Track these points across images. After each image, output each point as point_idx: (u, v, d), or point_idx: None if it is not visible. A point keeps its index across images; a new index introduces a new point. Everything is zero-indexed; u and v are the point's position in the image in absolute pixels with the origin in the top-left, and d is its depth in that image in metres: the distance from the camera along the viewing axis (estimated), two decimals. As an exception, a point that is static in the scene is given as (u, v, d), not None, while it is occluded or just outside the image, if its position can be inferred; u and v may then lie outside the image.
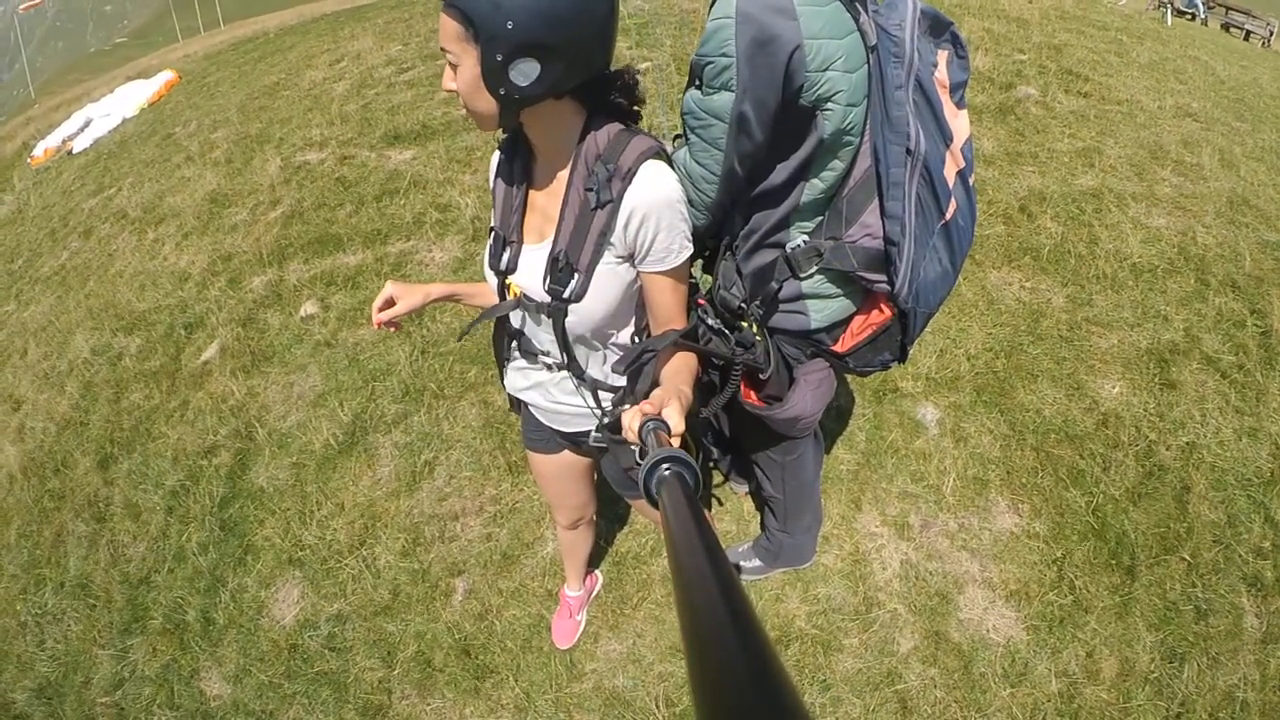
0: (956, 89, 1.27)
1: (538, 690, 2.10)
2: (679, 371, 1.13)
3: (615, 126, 1.07)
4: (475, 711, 2.08)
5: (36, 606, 2.62)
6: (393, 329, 1.30)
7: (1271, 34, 13.80)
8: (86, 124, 7.43)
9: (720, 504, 2.48)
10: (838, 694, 2.02)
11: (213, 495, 2.73)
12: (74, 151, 6.80)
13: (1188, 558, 2.23)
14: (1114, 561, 2.24)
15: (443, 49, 0.98)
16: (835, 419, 2.63)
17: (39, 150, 7.39)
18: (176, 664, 2.33)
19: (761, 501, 2.23)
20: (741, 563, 2.25)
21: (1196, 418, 2.57)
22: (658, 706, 2.03)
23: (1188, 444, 2.50)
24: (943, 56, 1.25)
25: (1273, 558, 2.22)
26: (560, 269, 1.10)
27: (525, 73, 0.94)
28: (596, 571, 2.33)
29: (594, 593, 2.29)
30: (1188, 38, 6.09)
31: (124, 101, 7.62)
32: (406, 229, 3.78)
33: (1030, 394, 2.68)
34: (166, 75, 8.20)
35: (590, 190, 1.05)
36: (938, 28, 1.25)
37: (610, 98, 1.09)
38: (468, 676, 2.14)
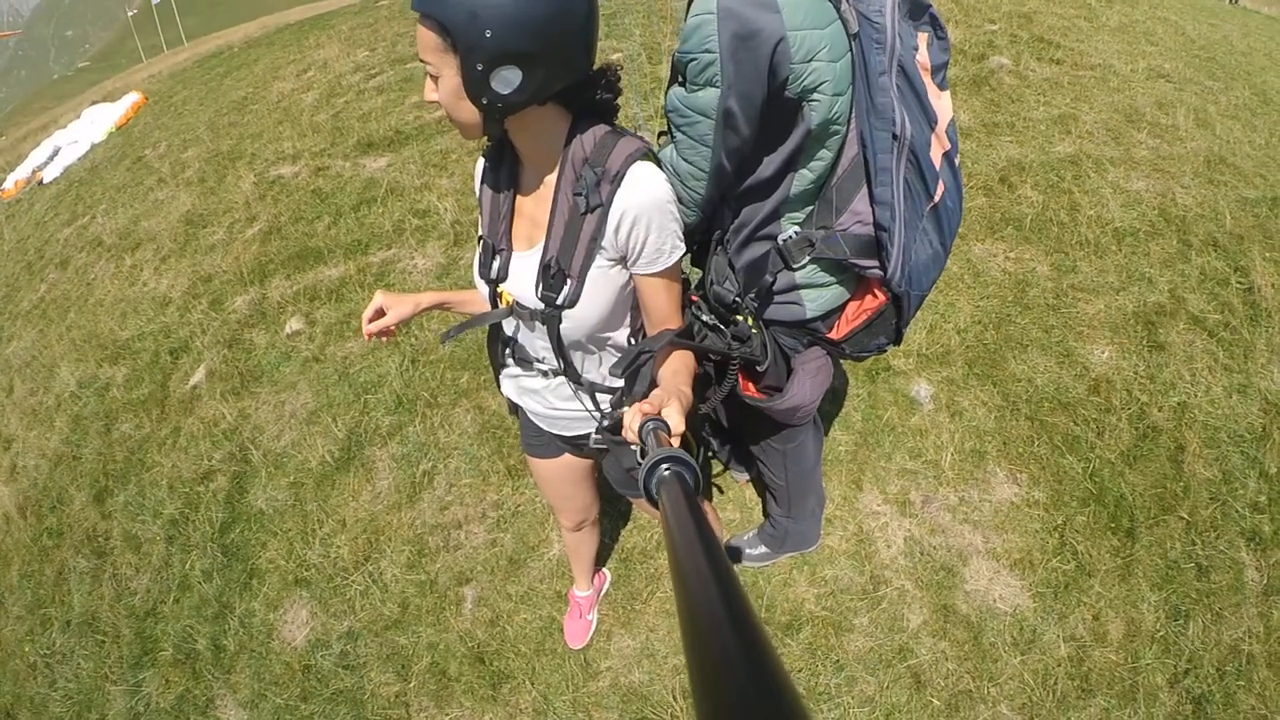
0: (938, 70, 1.27)
1: (555, 692, 2.11)
2: (677, 371, 1.13)
3: (601, 128, 1.06)
4: (494, 718, 2.09)
5: (45, 647, 2.60)
6: (384, 340, 1.29)
7: (1237, -12, 13.85)
8: (55, 153, 7.31)
9: (722, 492, 2.49)
10: (851, 673, 2.04)
11: (212, 521, 2.71)
12: (45, 181, 6.69)
13: (1186, 516, 2.26)
14: (1114, 524, 2.27)
15: (421, 60, 0.96)
16: (831, 401, 2.65)
17: (9, 183, 7.26)
18: (190, 694, 2.32)
19: (764, 488, 2.24)
20: (747, 550, 2.26)
21: (1186, 377, 2.60)
22: (675, 699, 2.05)
23: (1179, 404, 2.53)
24: (923, 39, 1.25)
25: (1269, 511, 2.25)
26: (552, 276, 1.09)
27: (507, 81, 0.93)
28: (604, 569, 2.33)
29: (603, 591, 2.29)
30: (1155, -2, 6.10)
31: (91, 127, 7.50)
32: (387, 237, 3.75)
33: (1021, 364, 2.70)
34: (133, 97, 8.07)
35: (579, 195, 1.04)
36: (916, 10, 1.25)
37: (595, 98, 1.08)
38: (484, 684, 2.15)
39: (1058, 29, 4.84)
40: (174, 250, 4.22)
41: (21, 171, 7.36)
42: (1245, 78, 4.48)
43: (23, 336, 4.19)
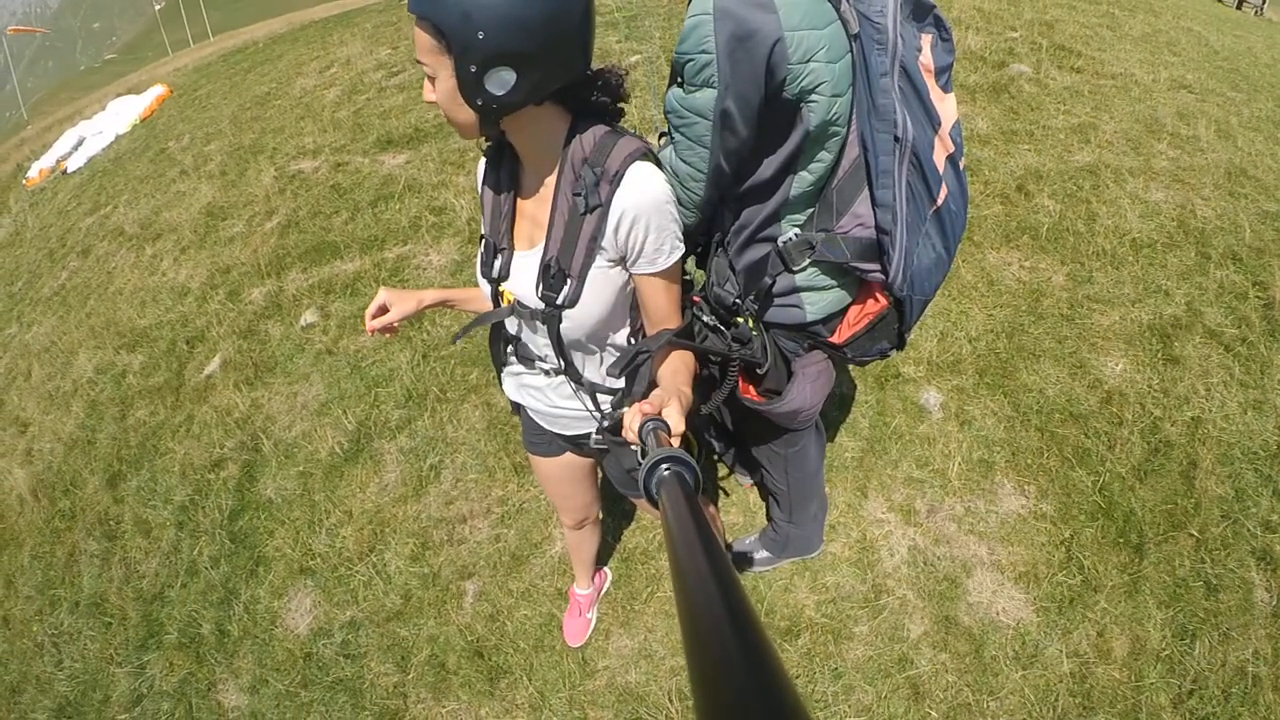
0: (942, 72, 1.26)
1: (551, 689, 2.11)
2: (677, 371, 1.13)
3: (601, 129, 1.06)
4: (490, 713, 2.10)
5: (53, 627, 2.65)
6: (389, 335, 1.30)
7: (1264, 2, 13.65)
8: (80, 143, 7.44)
9: (726, 495, 2.49)
10: (850, 682, 2.03)
11: (222, 508, 2.75)
12: (69, 171, 6.81)
13: (1196, 534, 2.22)
14: (1122, 540, 2.24)
15: (419, 61, 0.97)
16: (838, 406, 2.63)
17: (34, 171, 7.40)
18: (194, 678, 2.35)
19: (766, 493, 2.23)
20: (749, 554, 2.26)
21: (1201, 392, 2.56)
22: (670, 700, 2.04)
23: (1193, 419, 2.49)
24: (926, 40, 1.24)
25: (1281, 530, 2.21)
26: (552, 275, 1.09)
27: (502, 82, 0.93)
28: (605, 569, 2.34)
29: (603, 590, 2.29)
30: (1180, 8, 6.03)
31: (116, 118, 7.63)
32: (403, 234, 3.78)
33: (1033, 374, 2.67)
34: (157, 90, 8.20)
35: (578, 195, 1.04)
36: (920, 11, 1.24)
37: (593, 99, 1.08)
38: (482, 678, 2.16)
39: (1079, 37, 4.79)
40: (194, 241, 4.29)
41: (46, 160, 7.50)
42: (1269, 89, 4.42)
43: (43, 322, 4.27)
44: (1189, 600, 2.10)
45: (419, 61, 0.97)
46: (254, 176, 4.70)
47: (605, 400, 1.28)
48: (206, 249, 4.17)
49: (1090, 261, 3.06)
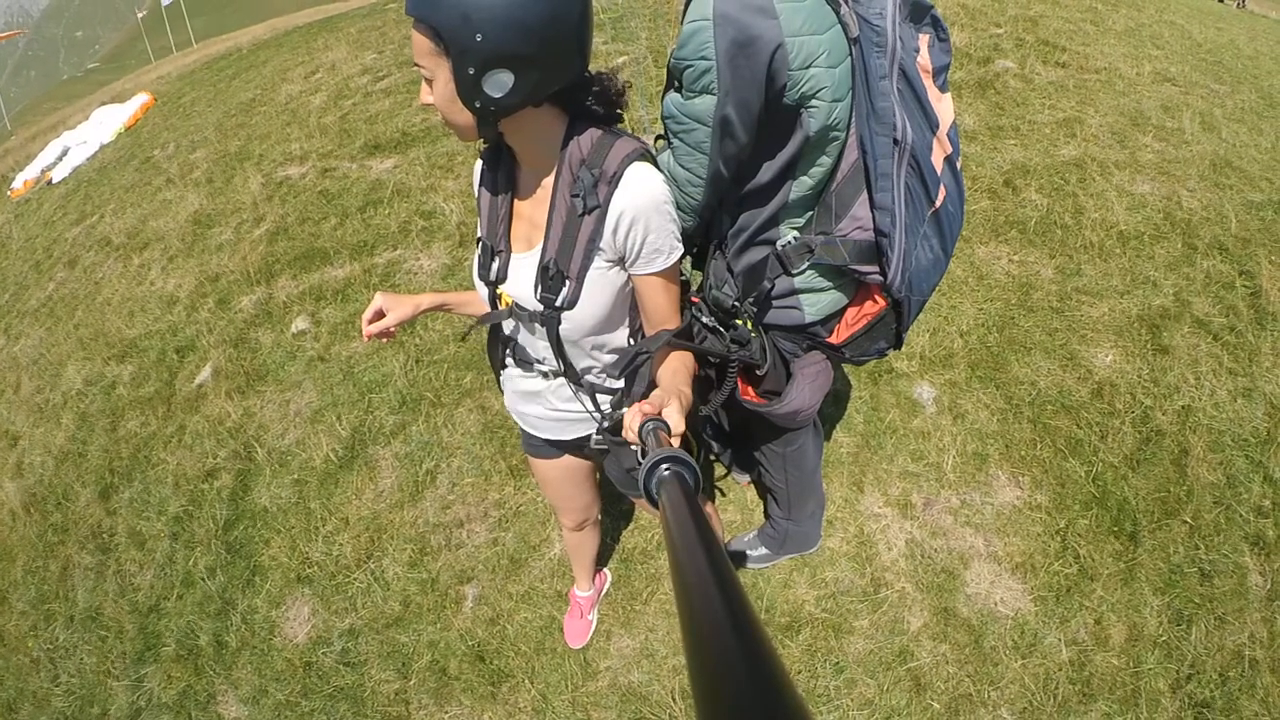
0: (939, 73, 1.26)
1: (554, 691, 2.11)
2: (677, 371, 1.13)
3: (598, 130, 1.07)
4: (493, 716, 2.09)
5: (48, 641, 2.62)
6: (384, 340, 1.29)
7: (1245, -8, 13.78)
8: (64, 153, 7.37)
9: (724, 494, 2.49)
10: (851, 675, 2.04)
11: (216, 518, 2.73)
12: (53, 181, 6.74)
13: (1189, 520, 2.25)
14: (1116, 528, 2.26)
15: (416, 64, 0.97)
16: (833, 403, 2.64)
17: (18, 182, 7.32)
18: (192, 690, 2.34)
19: (764, 490, 2.24)
20: (748, 551, 2.27)
21: (1191, 381, 2.59)
22: (674, 700, 2.05)
23: (1183, 408, 2.52)
24: (924, 41, 1.24)
25: (1273, 516, 2.24)
26: (551, 277, 1.09)
27: (499, 84, 0.93)
28: (605, 570, 2.34)
29: (603, 591, 2.29)
30: (1163, 2, 6.09)
31: (100, 128, 7.55)
32: (393, 238, 3.76)
33: (1024, 367, 2.69)
34: (142, 98, 8.13)
35: (576, 196, 1.04)
36: (918, 12, 1.24)
37: (590, 101, 1.08)
38: (483, 682, 2.15)
39: (1064, 32, 4.83)
40: (181, 250, 4.25)
41: (30, 171, 7.43)
42: (1252, 81, 4.47)
43: (30, 334, 4.22)
44: (1184, 586, 2.13)
45: (416, 64, 0.97)
46: (241, 184, 4.66)
47: (605, 401, 1.28)
48: (195, 257, 4.13)
49: (1078, 254, 3.09)
